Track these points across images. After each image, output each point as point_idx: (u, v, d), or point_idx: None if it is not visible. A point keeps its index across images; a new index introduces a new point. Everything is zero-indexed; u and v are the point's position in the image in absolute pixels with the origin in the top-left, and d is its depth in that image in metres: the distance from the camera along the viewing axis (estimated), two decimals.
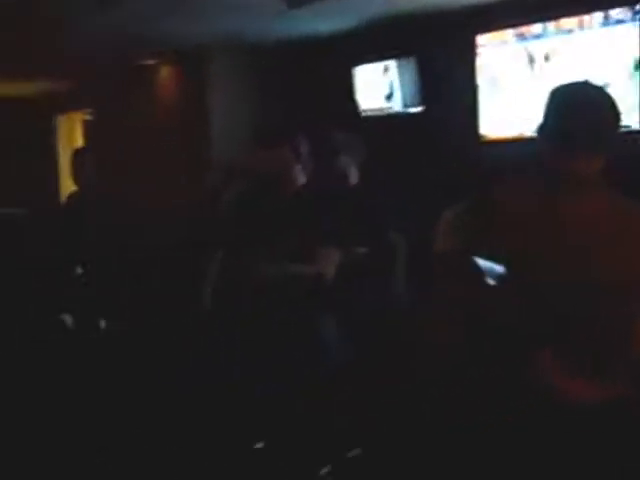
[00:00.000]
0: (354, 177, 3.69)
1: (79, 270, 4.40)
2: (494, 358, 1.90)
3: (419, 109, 5.20)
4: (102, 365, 4.00)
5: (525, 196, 2.04)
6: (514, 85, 4.45)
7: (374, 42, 5.34)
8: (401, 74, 5.21)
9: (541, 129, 1.90)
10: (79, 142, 9.37)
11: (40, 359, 4.22)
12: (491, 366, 1.92)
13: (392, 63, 5.25)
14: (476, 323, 2.01)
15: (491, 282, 2.18)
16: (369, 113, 5.56)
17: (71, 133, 9.97)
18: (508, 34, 4.44)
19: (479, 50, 4.63)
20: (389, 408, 2.96)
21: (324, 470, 2.87)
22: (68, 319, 4.47)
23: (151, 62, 6.83)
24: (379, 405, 2.99)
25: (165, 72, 7.01)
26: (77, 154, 4.44)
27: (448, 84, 5.03)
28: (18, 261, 5.09)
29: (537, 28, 4.26)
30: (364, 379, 3.01)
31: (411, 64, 5.14)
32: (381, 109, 5.45)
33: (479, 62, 4.64)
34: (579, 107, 1.82)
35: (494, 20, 4.49)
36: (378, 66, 5.37)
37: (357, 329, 3.10)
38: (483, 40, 4.60)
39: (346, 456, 2.92)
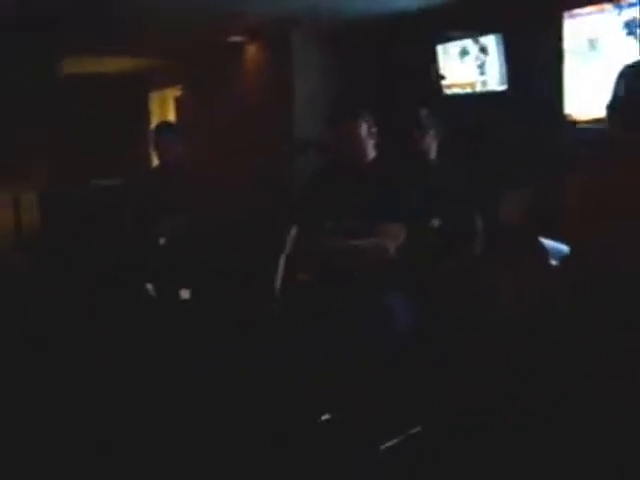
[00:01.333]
0: (434, 153, 3.76)
1: (162, 240, 4.52)
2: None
3: (503, 87, 5.07)
4: (183, 333, 4.13)
5: (593, 177, 1.98)
6: (611, 55, 4.19)
7: (458, 19, 5.24)
8: (486, 51, 5.09)
9: (611, 105, 1.85)
10: (171, 117, 9.61)
11: (124, 327, 4.38)
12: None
13: (477, 40, 5.14)
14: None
15: (555, 262, 2.14)
16: (452, 91, 5.47)
17: (164, 108, 10.23)
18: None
19: (576, 18, 4.41)
20: (455, 386, 2.93)
21: (384, 445, 2.88)
22: (151, 288, 4.61)
23: (237, 39, 6.92)
24: (445, 382, 2.97)
25: (251, 49, 7.10)
26: (158, 128, 4.56)
27: (534, 62, 4.88)
28: (111, 230, 5.27)
29: None
30: (432, 355, 2.99)
31: (496, 41, 5.02)
32: (464, 86, 5.35)
33: (575, 30, 4.41)
34: None
35: None
36: (462, 43, 5.26)
37: (427, 305, 3.08)
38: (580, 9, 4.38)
39: (408, 433, 2.92)
